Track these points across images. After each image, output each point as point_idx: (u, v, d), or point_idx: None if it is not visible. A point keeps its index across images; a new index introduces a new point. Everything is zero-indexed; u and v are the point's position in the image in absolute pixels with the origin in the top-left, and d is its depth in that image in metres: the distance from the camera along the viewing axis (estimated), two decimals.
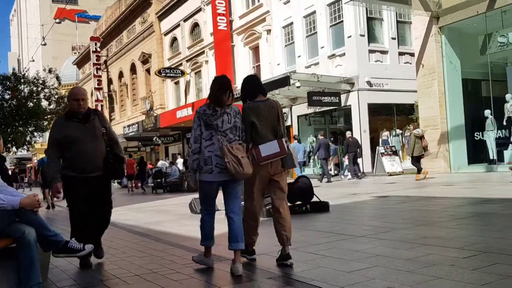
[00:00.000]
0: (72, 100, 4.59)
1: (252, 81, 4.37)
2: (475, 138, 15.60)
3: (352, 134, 17.87)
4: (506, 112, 14.93)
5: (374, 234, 5.18)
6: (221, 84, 4.11)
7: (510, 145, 14.93)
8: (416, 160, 13.94)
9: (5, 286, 3.35)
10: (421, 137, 13.84)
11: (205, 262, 4.24)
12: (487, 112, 15.12)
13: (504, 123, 15.05)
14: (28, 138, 25.39)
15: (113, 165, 4.71)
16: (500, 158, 14.80)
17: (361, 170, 17.98)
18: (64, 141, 4.50)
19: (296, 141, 17.78)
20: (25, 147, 26.33)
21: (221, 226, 6.83)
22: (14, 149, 25.38)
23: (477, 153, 15.67)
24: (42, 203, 3.58)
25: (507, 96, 14.88)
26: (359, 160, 18.08)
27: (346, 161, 18.31)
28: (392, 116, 20.80)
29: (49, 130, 27.16)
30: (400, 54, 20.37)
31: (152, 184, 21.45)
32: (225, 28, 25.77)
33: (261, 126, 4.10)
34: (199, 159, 4.06)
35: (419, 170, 13.86)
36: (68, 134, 4.50)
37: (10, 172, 13.88)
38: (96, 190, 4.59)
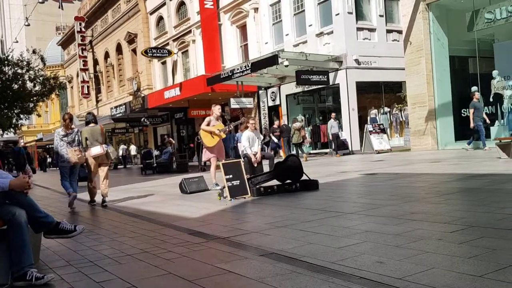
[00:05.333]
0: None
1: (88, 116, 8.50)
2: (462, 115, 15.72)
3: (287, 121, 20.67)
4: (493, 89, 15.04)
5: (363, 211, 5.25)
6: (69, 118, 8.08)
7: (497, 121, 15.09)
8: (298, 147, 17.98)
9: None
10: (299, 129, 17.80)
11: (71, 198, 7.90)
12: (474, 89, 15.21)
13: (491, 99, 15.17)
14: (14, 121, 25.14)
15: None
16: (487, 135, 14.95)
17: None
18: None
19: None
20: (11, 129, 26.07)
21: (211, 205, 6.87)
22: (0, 131, 25.12)
23: (464, 130, 15.81)
24: (32, 184, 3.56)
25: (494, 73, 14.96)
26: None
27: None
28: (380, 94, 20.87)
29: (35, 112, 26.80)
30: (388, 31, 20.35)
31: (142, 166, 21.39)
32: (212, 7, 25.45)
33: (91, 139, 8.14)
34: (59, 156, 8.02)
35: (302, 154, 17.61)
36: None
37: None
38: None
